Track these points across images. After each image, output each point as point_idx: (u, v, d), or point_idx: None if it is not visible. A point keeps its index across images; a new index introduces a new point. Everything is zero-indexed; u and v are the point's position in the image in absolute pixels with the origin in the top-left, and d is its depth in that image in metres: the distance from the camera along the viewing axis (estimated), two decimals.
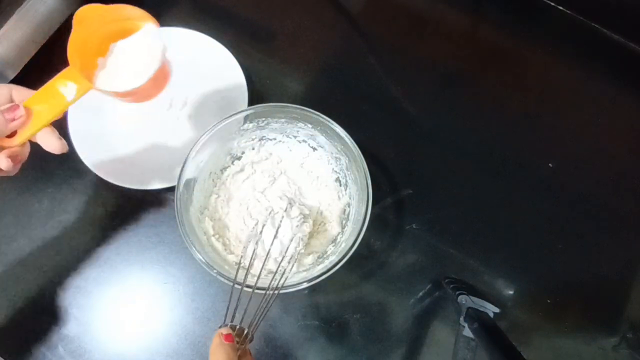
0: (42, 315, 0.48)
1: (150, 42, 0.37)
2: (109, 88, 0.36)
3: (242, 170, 0.50)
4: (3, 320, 0.48)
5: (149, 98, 0.42)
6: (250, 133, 0.48)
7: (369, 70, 0.58)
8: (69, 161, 0.51)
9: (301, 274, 0.44)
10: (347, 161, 0.47)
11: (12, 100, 0.34)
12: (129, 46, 0.38)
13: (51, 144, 0.35)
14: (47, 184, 0.52)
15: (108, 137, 0.53)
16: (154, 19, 0.37)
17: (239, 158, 0.50)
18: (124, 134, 0.53)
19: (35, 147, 0.35)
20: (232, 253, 0.46)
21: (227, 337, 0.34)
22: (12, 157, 0.33)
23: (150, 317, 0.49)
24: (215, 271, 0.40)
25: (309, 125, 0.46)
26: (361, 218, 0.41)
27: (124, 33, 0.38)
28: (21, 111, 0.33)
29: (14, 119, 0.32)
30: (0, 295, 0.48)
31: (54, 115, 0.34)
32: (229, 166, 0.50)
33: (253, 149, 0.50)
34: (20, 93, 0.34)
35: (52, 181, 0.52)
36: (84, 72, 0.35)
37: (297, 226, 0.44)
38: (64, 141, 0.36)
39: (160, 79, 0.40)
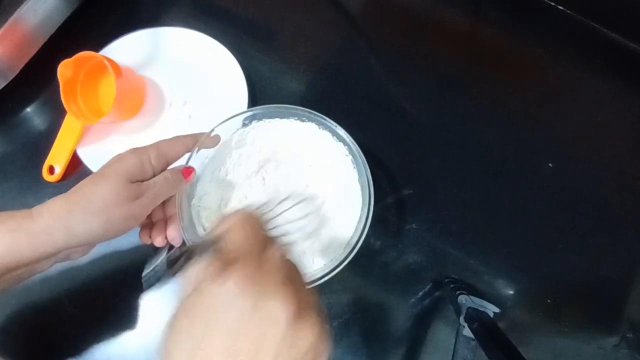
0: (41, 315, 0.48)
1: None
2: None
3: (242, 169, 0.50)
4: (2, 320, 0.48)
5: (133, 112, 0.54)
6: (251, 133, 0.48)
7: (369, 70, 0.58)
8: (69, 162, 0.51)
9: None
10: None
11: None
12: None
13: None
14: (46, 183, 0.52)
15: (108, 138, 0.53)
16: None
17: (239, 157, 0.50)
18: (124, 134, 0.53)
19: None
20: None
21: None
22: None
23: (150, 317, 0.48)
24: None
25: None
26: (361, 218, 0.41)
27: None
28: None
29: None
30: None
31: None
32: (230, 166, 0.50)
33: (253, 148, 0.50)
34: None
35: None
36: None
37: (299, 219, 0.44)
38: None
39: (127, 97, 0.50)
